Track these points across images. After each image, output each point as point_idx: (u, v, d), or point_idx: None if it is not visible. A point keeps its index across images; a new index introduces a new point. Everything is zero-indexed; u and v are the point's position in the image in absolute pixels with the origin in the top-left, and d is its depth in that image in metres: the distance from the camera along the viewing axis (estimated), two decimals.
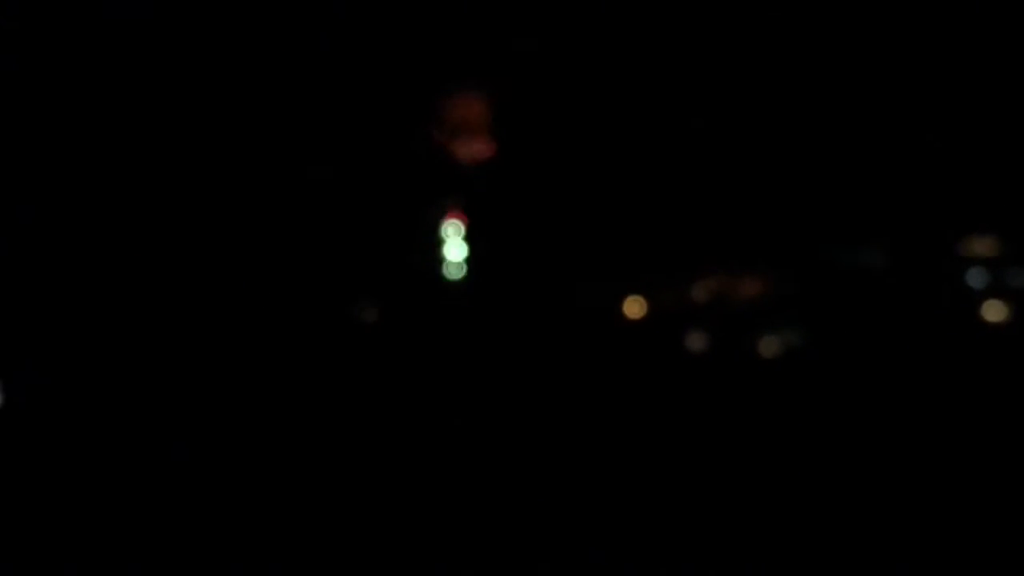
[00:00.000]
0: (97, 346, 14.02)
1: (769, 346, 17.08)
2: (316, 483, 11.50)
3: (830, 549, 9.78)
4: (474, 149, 18.64)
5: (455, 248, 18.94)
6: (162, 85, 16.27)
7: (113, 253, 15.25)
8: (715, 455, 12.91)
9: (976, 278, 16.54)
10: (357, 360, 16.66)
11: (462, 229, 18.92)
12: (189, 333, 15.11)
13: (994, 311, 16.23)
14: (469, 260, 18.66)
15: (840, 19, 17.14)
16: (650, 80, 17.81)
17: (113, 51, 15.70)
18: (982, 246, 16.65)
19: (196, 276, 15.80)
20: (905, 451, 12.61)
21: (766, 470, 12.35)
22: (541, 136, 18.33)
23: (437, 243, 18.82)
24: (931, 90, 16.82)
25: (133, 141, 15.89)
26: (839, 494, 11.27)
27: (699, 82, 17.63)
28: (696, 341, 17.86)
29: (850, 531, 10.25)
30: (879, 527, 10.31)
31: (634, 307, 18.55)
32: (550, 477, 11.89)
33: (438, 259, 18.93)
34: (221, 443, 12.33)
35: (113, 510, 10.01)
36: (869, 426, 13.66)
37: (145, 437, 12.07)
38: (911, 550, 9.66)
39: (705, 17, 17.63)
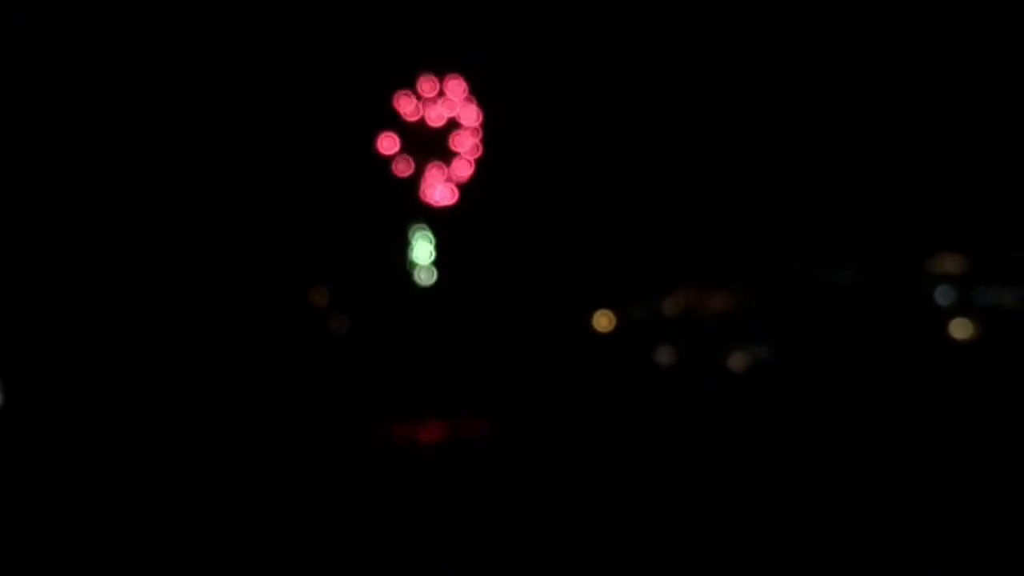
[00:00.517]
0: (96, 346, 14.01)
1: (738, 361, 17.24)
2: (295, 483, 11.50)
3: (800, 552, 9.87)
4: (439, 190, 18.76)
5: (423, 255, 19.04)
6: (134, 98, 16.30)
7: (104, 257, 15.25)
8: (683, 466, 12.98)
9: (944, 296, 16.82)
10: (330, 364, 16.71)
11: (431, 238, 19.01)
12: (175, 338, 15.12)
13: (961, 328, 16.49)
14: (441, 272, 18.78)
15: (807, 53, 17.44)
16: (625, 101, 18.01)
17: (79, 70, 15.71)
18: (950, 264, 16.93)
19: (181, 282, 15.83)
20: (874, 462, 12.77)
21: (736, 480, 12.44)
22: (517, 153, 18.47)
23: (407, 253, 18.92)
24: (901, 113, 17.13)
25: (118, 150, 15.91)
26: (808, 503, 11.38)
27: (673, 102, 17.85)
28: (665, 355, 18.00)
29: (819, 536, 10.33)
30: (847, 533, 10.42)
31: (603, 320, 18.68)
32: (522, 483, 11.95)
33: (408, 267, 19.02)
34: (210, 444, 12.32)
35: (112, 510, 9.96)
36: (838, 438, 13.80)
37: (142, 436, 12.05)
38: (882, 553, 9.78)
39: (670, 52, 17.87)
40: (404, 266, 18.86)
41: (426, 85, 18.31)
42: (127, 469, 10.95)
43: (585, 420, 15.15)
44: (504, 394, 16.56)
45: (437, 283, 18.86)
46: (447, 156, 18.63)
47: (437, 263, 18.92)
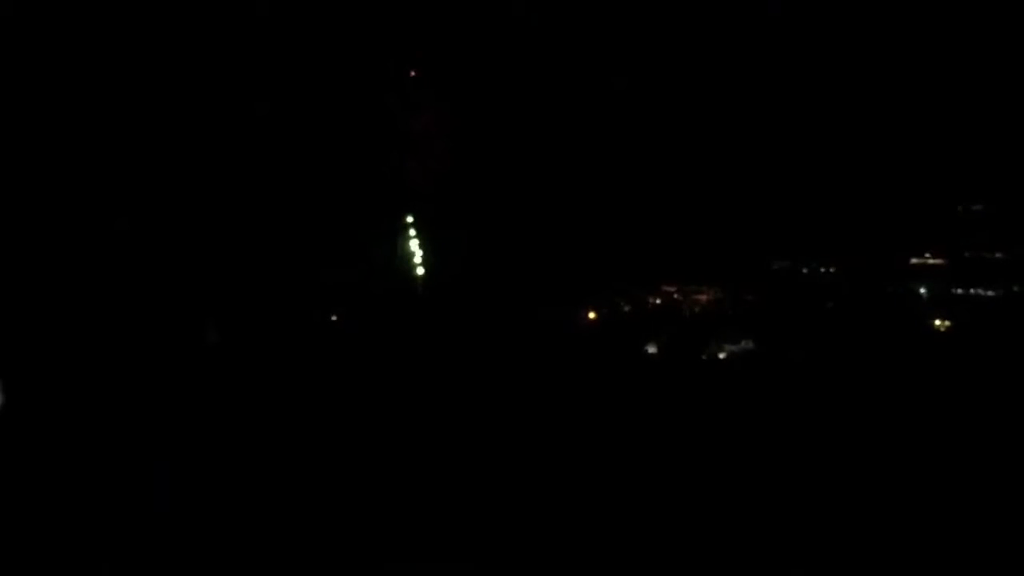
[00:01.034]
0: (96, 346, 14.10)
1: (723, 355, 17.39)
2: (294, 481, 11.61)
3: (784, 545, 10.04)
4: (430, 165, 18.81)
5: (410, 250, 19.13)
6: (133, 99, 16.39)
7: (100, 255, 15.33)
8: (671, 457, 13.12)
9: (926, 290, 17.00)
10: (324, 361, 16.80)
11: (416, 233, 19.08)
12: (170, 336, 15.22)
13: (943, 321, 16.67)
14: (436, 266, 18.86)
15: (790, 53, 17.58)
16: (612, 99, 18.13)
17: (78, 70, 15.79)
18: (933, 259, 17.12)
19: (179, 280, 15.92)
20: (858, 453, 12.95)
21: (722, 474, 12.60)
22: (505, 148, 18.57)
23: (393, 247, 19.00)
24: (886, 113, 17.29)
25: (113, 149, 15.99)
26: (791, 495, 11.55)
27: (659, 101, 17.99)
28: (651, 348, 18.13)
29: (801, 528, 10.50)
30: (830, 525, 10.59)
31: (594, 314, 18.79)
32: (514, 475, 12.08)
33: (394, 262, 19.10)
34: (208, 441, 12.43)
35: (111, 510, 10.08)
36: (824, 431, 13.97)
37: (141, 437, 12.15)
38: (869, 549, 9.96)
39: (651, 53, 17.99)
40: (390, 261, 18.97)
41: (411, 79, 18.40)
42: (126, 469, 11.06)
43: (573, 412, 15.27)
44: (496, 388, 16.70)
45: (422, 278, 18.99)
46: (433, 151, 18.73)
47: (422, 258, 19.05)
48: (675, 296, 18.24)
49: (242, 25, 16.82)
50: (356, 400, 15.49)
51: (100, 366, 14.04)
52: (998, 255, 16.63)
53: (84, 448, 11.51)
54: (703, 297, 18.21)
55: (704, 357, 17.55)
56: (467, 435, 14.27)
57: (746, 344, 17.42)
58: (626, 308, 18.71)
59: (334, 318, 18.27)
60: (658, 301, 18.41)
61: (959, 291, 16.61)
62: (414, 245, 19.06)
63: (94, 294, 15.19)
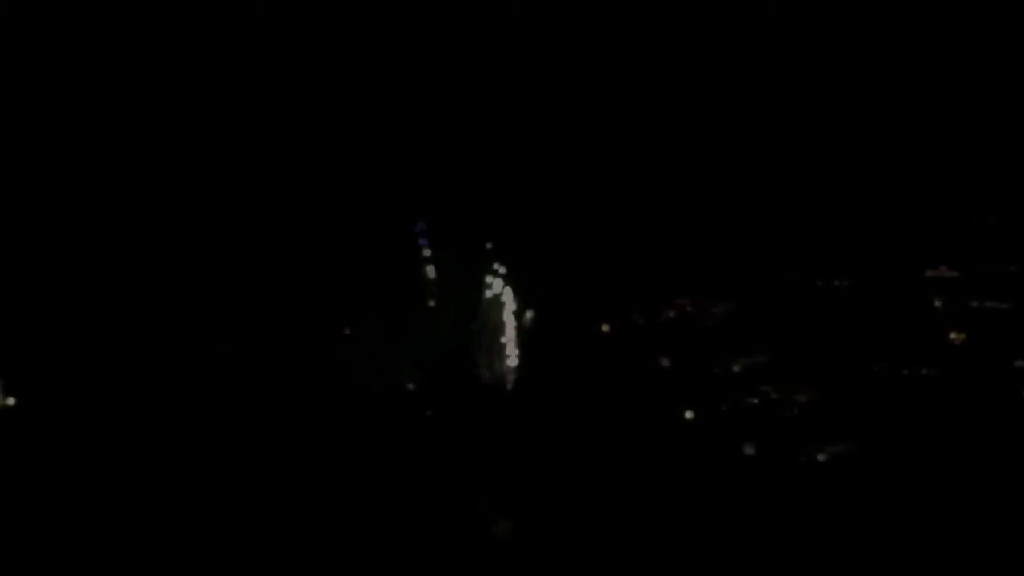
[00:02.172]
0: (96, 347, 14.13)
1: (740, 367, 17.36)
2: (300, 484, 11.62)
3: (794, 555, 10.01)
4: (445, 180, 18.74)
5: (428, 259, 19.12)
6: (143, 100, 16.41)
7: (107, 258, 15.36)
8: (684, 468, 13.10)
9: (941, 302, 16.94)
10: (341, 366, 16.83)
11: (437, 242, 19.07)
12: (180, 338, 15.24)
13: (958, 334, 16.61)
14: (449, 277, 18.85)
15: (804, 70, 17.58)
16: (626, 111, 18.15)
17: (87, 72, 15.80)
18: (948, 272, 17.07)
19: (189, 282, 15.95)
20: (871, 463, 12.90)
21: (737, 484, 12.57)
22: (522, 162, 18.58)
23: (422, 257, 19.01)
24: (900, 129, 17.29)
25: (124, 155, 16.02)
26: (801, 507, 11.51)
27: (676, 117, 18.02)
28: (666, 361, 18.12)
29: (811, 536, 10.48)
30: (842, 532, 10.56)
31: (608, 327, 18.77)
32: (528, 483, 12.08)
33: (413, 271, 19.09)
34: (213, 443, 12.44)
35: (113, 510, 10.09)
36: (838, 443, 13.93)
37: (142, 437, 12.16)
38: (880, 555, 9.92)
39: (673, 72, 18.00)
40: (409, 269, 18.99)
41: (425, 86, 18.44)
42: (130, 471, 11.06)
43: (587, 423, 15.28)
44: (511, 399, 16.69)
45: (435, 288, 19.00)
46: (449, 159, 18.76)
47: (435, 269, 19.07)
48: (688, 309, 18.23)
49: (256, 29, 16.87)
50: (371, 408, 15.51)
51: (112, 371, 14.08)
52: (1013, 268, 16.58)
53: (87, 450, 11.54)
54: (717, 310, 18.21)
55: (717, 370, 17.53)
56: (482, 443, 14.31)
57: (759, 357, 17.40)
58: (640, 321, 18.71)
59: (347, 331, 18.31)
60: (672, 314, 18.40)
61: (974, 304, 16.55)
62: (429, 256, 19.10)
63: (110, 301, 15.23)
